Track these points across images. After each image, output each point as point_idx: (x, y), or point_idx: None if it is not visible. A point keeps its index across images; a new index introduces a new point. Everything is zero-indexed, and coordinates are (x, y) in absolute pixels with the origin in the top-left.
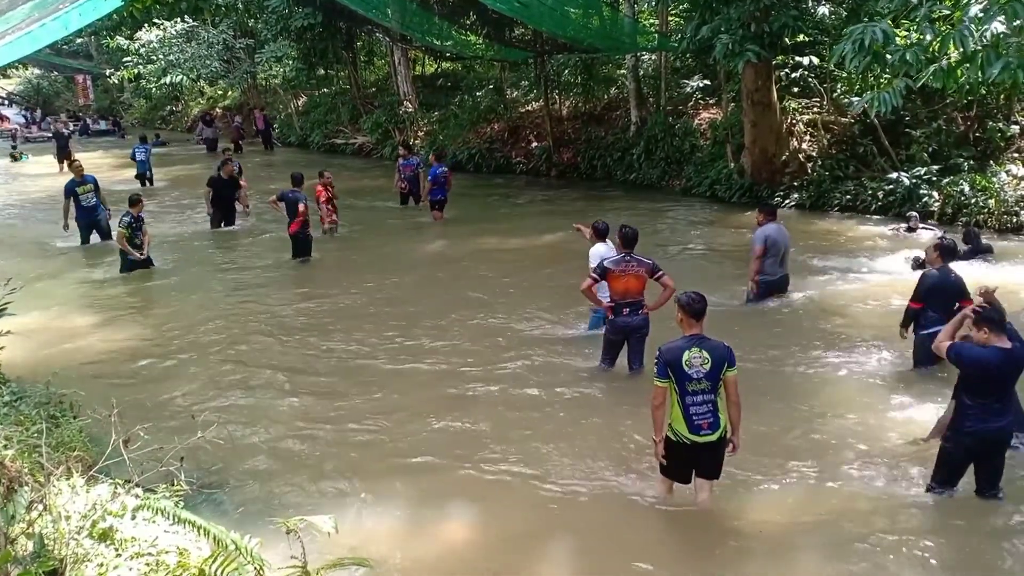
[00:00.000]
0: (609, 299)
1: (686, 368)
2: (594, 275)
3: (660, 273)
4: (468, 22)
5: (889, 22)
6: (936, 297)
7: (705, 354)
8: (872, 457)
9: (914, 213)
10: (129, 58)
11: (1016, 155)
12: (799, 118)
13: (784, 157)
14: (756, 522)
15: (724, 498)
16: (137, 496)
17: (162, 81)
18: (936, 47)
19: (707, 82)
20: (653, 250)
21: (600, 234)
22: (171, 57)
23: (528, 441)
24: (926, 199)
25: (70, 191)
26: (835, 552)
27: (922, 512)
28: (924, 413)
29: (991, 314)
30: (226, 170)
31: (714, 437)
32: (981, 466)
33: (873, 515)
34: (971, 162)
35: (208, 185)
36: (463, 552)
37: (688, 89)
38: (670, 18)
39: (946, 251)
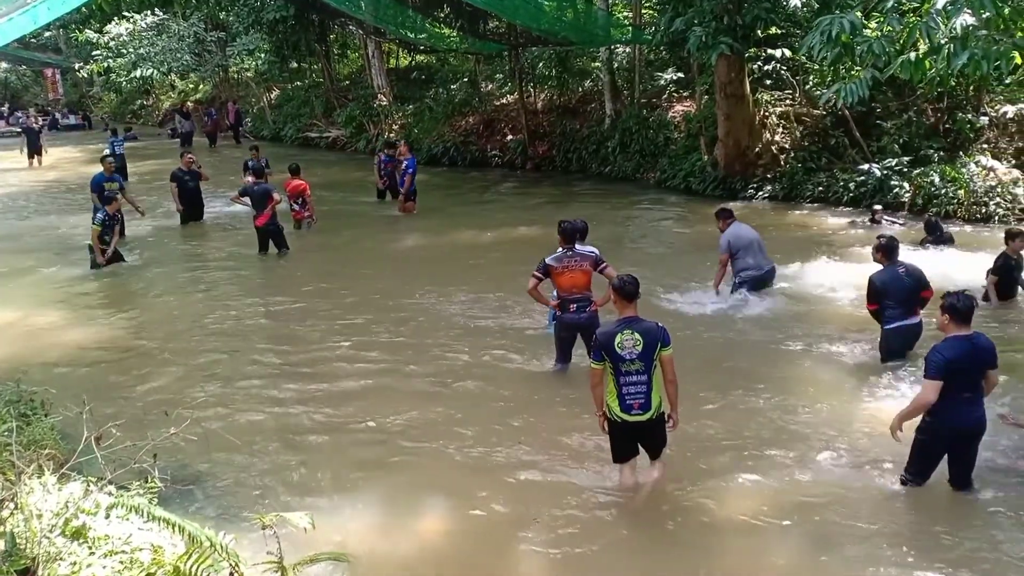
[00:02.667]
0: (556, 296)
1: (618, 350)
2: (537, 274)
3: (603, 265)
4: (442, 15)
5: (858, 14)
6: (890, 296)
7: (637, 336)
8: (844, 448)
9: (878, 206)
10: (98, 52)
11: (985, 146)
12: (772, 110)
13: (757, 149)
14: (729, 513)
15: (697, 490)
16: (110, 493)
17: (132, 75)
18: (904, 39)
19: (681, 75)
20: (628, 244)
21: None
22: (141, 50)
23: (501, 436)
24: (897, 190)
25: (98, 186)
26: (808, 543)
27: (895, 503)
28: (894, 404)
29: (954, 301)
30: (184, 162)
31: (644, 417)
32: (955, 458)
33: (846, 506)
34: (941, 153)
35: (172, 180)
36: (439, 546)
37: (662, 82)
38: (644, 11)
39: (887, 250)
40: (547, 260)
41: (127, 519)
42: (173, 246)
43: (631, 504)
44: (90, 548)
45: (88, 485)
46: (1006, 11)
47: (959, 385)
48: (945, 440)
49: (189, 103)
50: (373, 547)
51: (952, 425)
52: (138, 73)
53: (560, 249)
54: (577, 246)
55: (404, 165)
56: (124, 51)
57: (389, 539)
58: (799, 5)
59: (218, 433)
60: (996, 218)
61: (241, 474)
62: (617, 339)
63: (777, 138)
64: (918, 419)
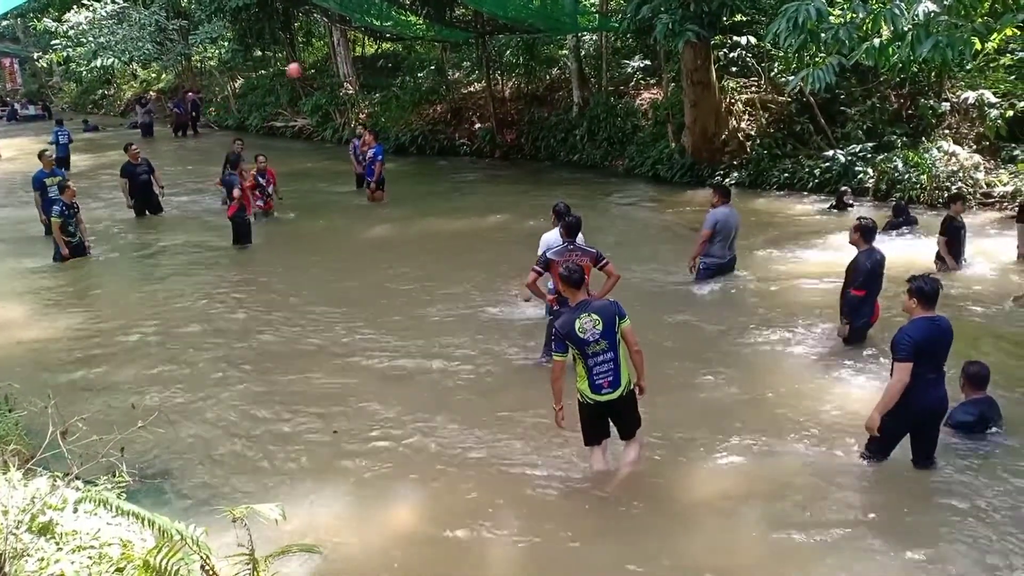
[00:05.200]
0: (553, 290)
1: (581, 335)
2: (537, 268)
3: (604, 261)
4: (407, 2)
5: (823, 1)
6: (872, 279)
7: (595, 316)
8: (810, 428)
9: (846, 188)
10: (58, 41)
11: (947, 131)
12: (738, 97)
13: (724, 136)
14: (699, 495)
15: (666, 471)
16: (77, 488)
17: (93, 64)
18: (869, 25)
19: (648, 62)
20: (597, 231)
21: (560, 216)
22: (101, 39)
23: (472, 425)
24: (861, 176)
25: (39, 183)
26: (776, 522)
27: (859, 481)
28: (857, 383)
29: (922, 284)
30: (131, 153)
31: (615, 395)
32: (918, 437)
33: (812, 485)
34: (904, 139)
35: (122, 175)
36: (409, 535)
37: (629, 69)
38: None
39: (865, 231)
40: (548, 254)
41: (95, 514)
42: (135, 239)
43: (603, 489)
44: (58, 544)
45: (54, 480)
46: None
47: (925, 366)
48: (908, 420)
49: (151, 93)
50: (344, 538)
51: (917, 406)
52: (99, 62)
53: (561, 242)
54: (577, 240)
55: (371, 153)
56: (84, 40)
57: (360, 529)
58: None
59: (186, 426)
60: None
61: (210, 466)
62: (577, 325)
63: (743, 125)
64: (881, 399)
